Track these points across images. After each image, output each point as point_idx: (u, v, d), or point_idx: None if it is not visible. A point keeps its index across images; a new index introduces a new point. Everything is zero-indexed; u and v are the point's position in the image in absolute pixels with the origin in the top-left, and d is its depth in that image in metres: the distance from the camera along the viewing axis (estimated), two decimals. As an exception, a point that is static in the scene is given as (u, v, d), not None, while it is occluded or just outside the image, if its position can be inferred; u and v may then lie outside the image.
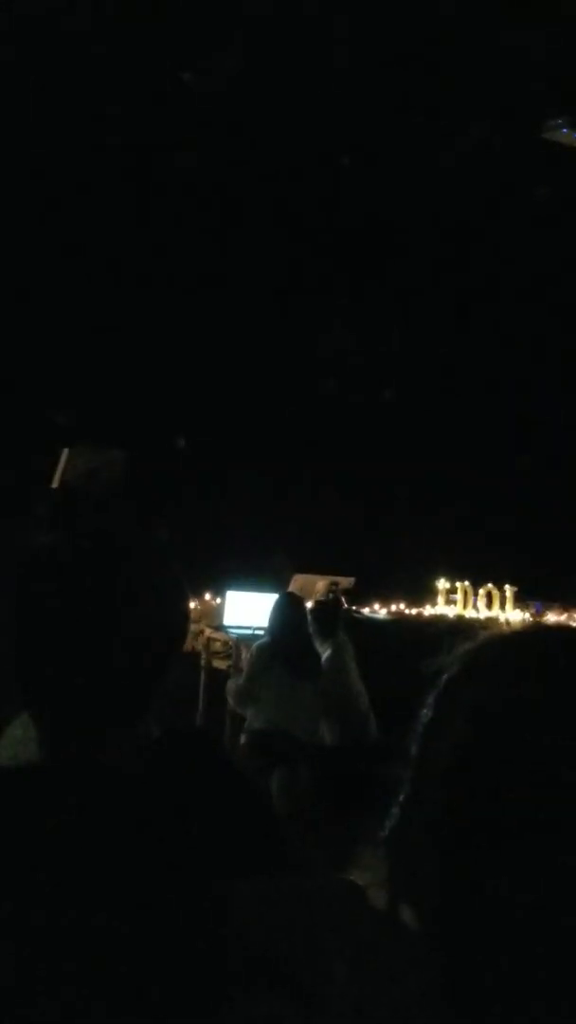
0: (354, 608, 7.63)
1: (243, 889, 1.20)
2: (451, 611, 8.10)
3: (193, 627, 6.00)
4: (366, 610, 7.81)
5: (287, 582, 7.24)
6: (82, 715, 1.25)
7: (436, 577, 8.24)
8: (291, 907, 1.21)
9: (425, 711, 0.67)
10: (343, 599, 7.24)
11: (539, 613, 8.35)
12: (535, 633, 0.67)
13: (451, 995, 0.62)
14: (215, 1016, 1.13)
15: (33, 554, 1.34)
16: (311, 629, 6.00)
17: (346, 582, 7.62)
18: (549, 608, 8.50)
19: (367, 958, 1.17)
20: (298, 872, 1.27)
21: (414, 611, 8.07)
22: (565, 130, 7.42)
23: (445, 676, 0.68)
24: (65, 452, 6.60)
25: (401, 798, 0.66)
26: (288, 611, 6.01)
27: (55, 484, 6.54)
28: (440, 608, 8.13)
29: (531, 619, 8.08)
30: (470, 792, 0.62)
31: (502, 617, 8.05)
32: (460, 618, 8.00)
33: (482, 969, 0.60)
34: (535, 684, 0.63)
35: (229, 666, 6.70)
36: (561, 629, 0.66)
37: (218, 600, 7.17)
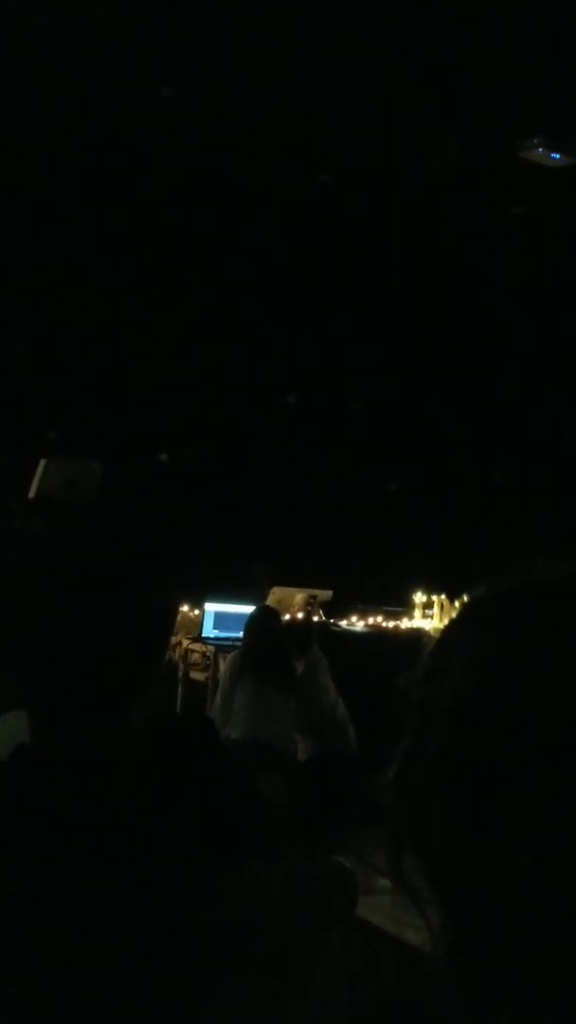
0: (332, 621, 7.65)
1: (233, 872, 1.21)
2: (428, 624, 8.12)
3: (172, 639, 5.97)
4: (344, 623, 7.83)
5: (266, 594, 7.24)
6: (73, 702, 1.26)
7: (413, 591, 8.26)
8: (280, 889, 1.22)
9: (425, 659, 0.70)
10: (314, 614, 7.26)
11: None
12: (527, 583, 0.70)
13: (454, 946, 0.64)
14: (206, 995, 1.14)
15: (21, 545, 1.35)
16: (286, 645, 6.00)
17: (324, 595, 7.64)
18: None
19: (354, 938, 1.18)
20: (287, 855, 1.28)
21: (391, 624, 8.09)
22: (541, 150, 7.50)
23: (444, 625, 0.71)
24: (43, 463, 6.58)
25: (405, 744, 0.68)
26: (261, 623, 6.01)
27: (32, 495, 6.52)
28: (417, 621, 8.15)
29: None
30: (472, 734, 0.64)
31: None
32: (436, 631, 8.01)
33: (484, 907, 0.62)
34: (529, 629, 0.66)
35: (207, 678, 6.69)
36: (553, 580, 0.69)
37: (196, 612, 7.17)
